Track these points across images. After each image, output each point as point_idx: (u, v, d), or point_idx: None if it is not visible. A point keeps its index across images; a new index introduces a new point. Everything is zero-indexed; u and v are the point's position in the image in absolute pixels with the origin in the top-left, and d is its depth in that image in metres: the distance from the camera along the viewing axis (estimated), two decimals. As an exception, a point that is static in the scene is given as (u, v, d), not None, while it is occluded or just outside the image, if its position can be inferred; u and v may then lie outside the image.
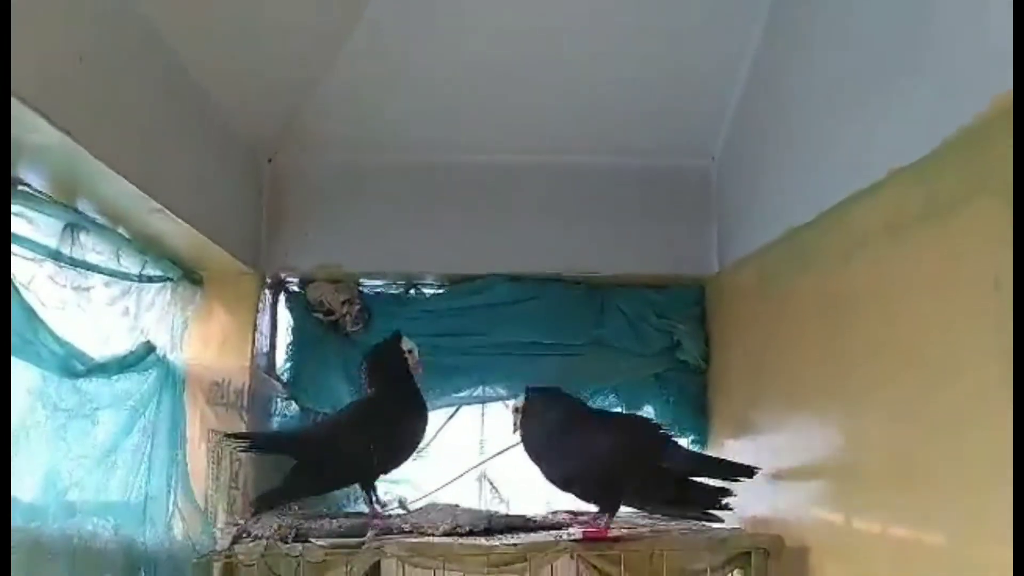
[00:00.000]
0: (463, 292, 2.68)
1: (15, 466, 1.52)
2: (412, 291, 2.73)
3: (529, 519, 2.14)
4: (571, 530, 1.98)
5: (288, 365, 2.64)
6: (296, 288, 2.68)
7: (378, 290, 2.72)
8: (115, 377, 1.96)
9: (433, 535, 1.95)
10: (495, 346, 2.65)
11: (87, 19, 1.53)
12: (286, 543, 1.85)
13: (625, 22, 2.28)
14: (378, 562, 1.87)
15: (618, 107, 2.50)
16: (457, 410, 2.72)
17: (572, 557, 1.87)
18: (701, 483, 2.09)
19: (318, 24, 2.25)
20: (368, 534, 1.91)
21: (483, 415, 2.74)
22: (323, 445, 2.16)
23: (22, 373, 1.61)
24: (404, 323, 2.61)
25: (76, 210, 1.78)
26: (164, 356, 2.18)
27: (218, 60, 2.03)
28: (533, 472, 2.21)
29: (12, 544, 1.45)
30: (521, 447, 2.25)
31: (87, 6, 1.54)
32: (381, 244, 2.59)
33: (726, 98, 2.46)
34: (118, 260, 1.98)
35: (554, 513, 2.29)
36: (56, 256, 1.73)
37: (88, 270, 1.85)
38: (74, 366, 1.77)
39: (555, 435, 2.16)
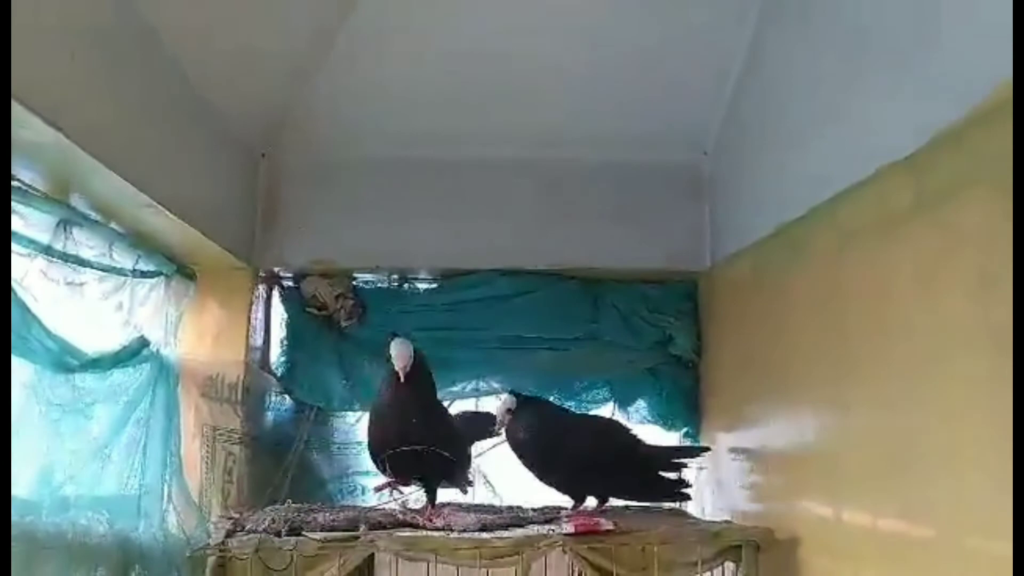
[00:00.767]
0: (457, 287, 2.68)
1: (9, 461, 1.52)
2: (406, 286, 2.74)
3: (522, 513, 2.15)
4: (563, 524, 1.99)
5: (282, 360, 2.64)
6: (290, 283, 2.69)
7: (372, 285, 2.72)
8: (109, 372, 1.96)
9: (425, 527, 1.96)
10: (489, 341, 2.66)
11: (79, 16, 1.53)
12: (280, 537, 1.86)
13: (618, 19, 2.28)
14: (372, 556, 1.88)
15: (611, 102, 2.50)
16: (451, 404, 2.72)
17: (564, 551, 1.87)
18: (665, 477, 2.31)
19: (311, 20, 2.25)
20: (361, 528, 1.91)
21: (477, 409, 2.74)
22: None
23: (16, 368, 1.61)
24: (398, 318, 2.62)
25: (69, 206, 1.79)
26: (158, 351, 2.18)
27: (211, 56, 2.03)
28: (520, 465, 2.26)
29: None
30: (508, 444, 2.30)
31: (80, 3, 1.54)
32: (375, 239, 2.60)
33: (718, 93, 2.46)
34: (111, 255, 1.99)
35: (546, 507, 2.29)
36: (49, 252, 1.74)
37: (81, 265, 1.86)
38: (68, 361, 1.78)
39: (538, 435, 2.23)
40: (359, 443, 2.61)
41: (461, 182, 2.63)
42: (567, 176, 2.64)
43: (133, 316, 2.10)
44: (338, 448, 2.67)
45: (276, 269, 2.64)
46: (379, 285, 2.73)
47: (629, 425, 2.52)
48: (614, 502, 2.30)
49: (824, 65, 1.88)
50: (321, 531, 1.89)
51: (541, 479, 2.25)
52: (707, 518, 2.35)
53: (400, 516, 2.03)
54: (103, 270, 1.97)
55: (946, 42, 1.41)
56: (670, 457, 2.38)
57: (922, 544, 1.44)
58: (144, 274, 2.15)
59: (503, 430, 2.28)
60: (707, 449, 2.45)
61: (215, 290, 2.44)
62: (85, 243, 1.87)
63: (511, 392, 2.29)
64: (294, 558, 1.80)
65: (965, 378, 1.33)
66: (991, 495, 1.20)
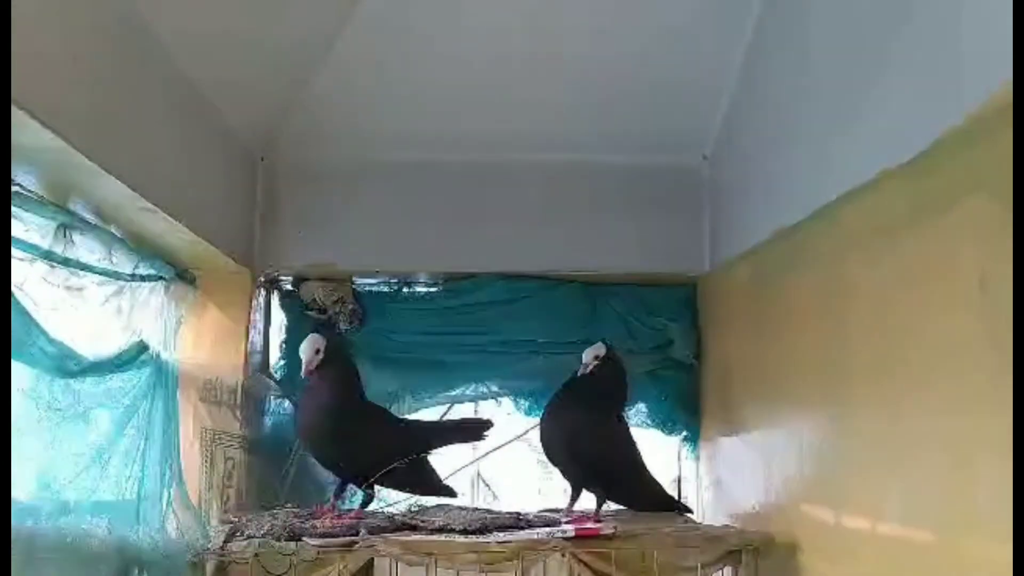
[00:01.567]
0: (456, 290, 2.68)
1: (9, 466, 1.52)
2: (405, 289, 2.74)
3: (521, 517, 2.15)
4: (563, 528, 1.98)
5: (281, 363, 2.64)
6: (289, 287, 2.68)
7: (372, 288, 2.72)
8: (108, 376, 1.96)
9: (426, 529, 1.95)
10: (488, 344, 2.66)
11: (80, 20, 1.53)
12: (279, 541, 1.85)
13: (618, 22, 2.29)
14: (371, 560, 1.88)
15: (610, 106, 2.50)
16: (450, 408, 2.72)
17: (564, 555, 1.87)
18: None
19: (311, 22, 2.24)
20: (361, 532, 1.91)
21: (476, 413, 2.74)
22: None
23: (15, 373, 1.61)
24: (397, 321, 2.62)
25: (68, 210, 1.78)
26: (157, 355, 2.18)
27: (211, 59, 2.03)
28: (528, 470, 2.24)
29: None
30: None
31: (80, 7, 1.54)
32: (374, 242, 2.60)
33: (718, 97, 2.47)
34: (111, 259, 1.98)
35: (546, 511, 2.29)
36: (49, 256, 1.73)
37: (81, 270, 1.85)
38: (67, 366, 1.77)
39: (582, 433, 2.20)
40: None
41: (460, 186, 2.63)
42: (566, 179, 2.65)
43: (132, 320, 2.09)
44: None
45: (275, 273, 2.63)
46: (379, 289, 2.73)
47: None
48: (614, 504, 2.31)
49: (824, 69, 1.88)
50: (321, 535, 1.88)
51: (567, 456, 2.22)
52: (707, 522, 2.35)
53: (400, 520, 2.03)
54: (103, 274, 1.96)
55: (947, 45, 1.41)
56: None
57: (922, 548, 1.44)
58: (143, 278, 2.14)
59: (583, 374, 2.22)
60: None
61: (214, 294, 2.43)
62: (84, 247, 1.86)
63: (603, 341, 2.26)
64: (294, 563, 1.80)
65: (965, 382, 1.33)
66: (992, 499, 1.20)
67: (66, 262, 1.78)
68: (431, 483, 2.31)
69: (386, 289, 2.73)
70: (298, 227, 2.58)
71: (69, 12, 1.50)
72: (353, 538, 1.88)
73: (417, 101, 2.48)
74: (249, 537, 1.88)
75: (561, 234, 2.62)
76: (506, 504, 2.57)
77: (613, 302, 2.69)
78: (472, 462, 2.72)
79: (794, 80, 2.05)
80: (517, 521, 2.09)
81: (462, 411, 2.71)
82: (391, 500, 2.45)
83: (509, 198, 2.64)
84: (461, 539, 1.90)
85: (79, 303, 1.85)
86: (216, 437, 2.34)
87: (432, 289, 2.73)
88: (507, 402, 2.70)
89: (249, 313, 2.50)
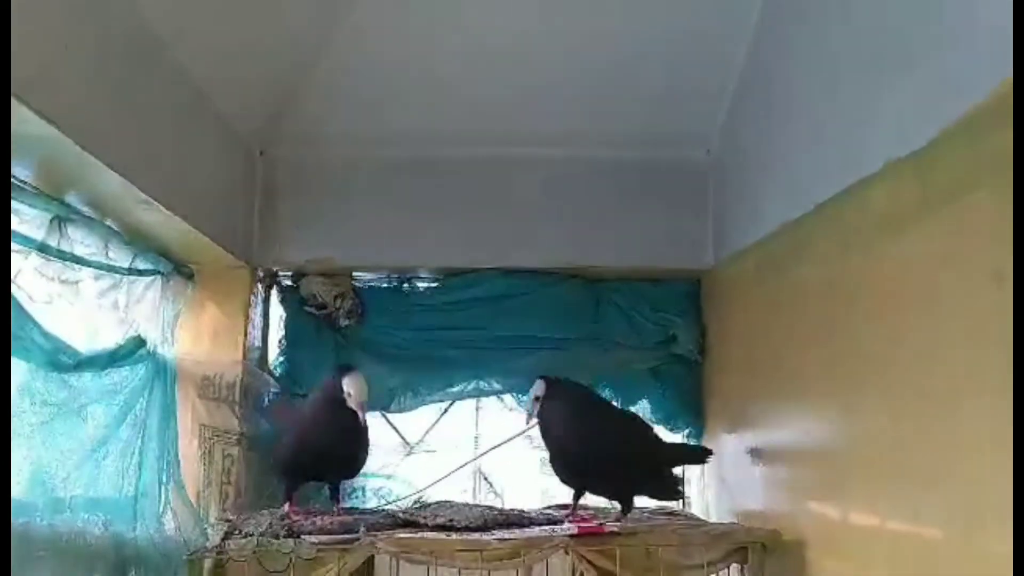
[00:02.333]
0: (458, 286, 2.66)
1: (3, 462, 1.50)
2: (406, 285, 2.72)
3: (524, 514, 2.13)
4: (566, 525, 1.96)
5: (281, 359, 2.62)
6: (289, 282, 2.66)
7: (372, 284, 2.70)
8: (104, 371, 1.94)
9: (427, 526, 1.93)
10: (490, 340, 2.64)
11: (74, 9, 1.51)
12: (278, 539, 1.83)
13: (621, 17, 2.27)
14: (371, 558, 1.86)
15: (614, 101, 2.48)
16: (451, 405, 2.70)
17: (567, 553, 1.85)
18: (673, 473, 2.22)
19: (310, 18, 2.23)
20: (360, 530, 1.89)
21: (478, 410, 2.72)
22: None
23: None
24: (398, 317, 2.60)
25: (63, 202, 1.76)
26: (155, 350, 2.16)
27: (210, 53, 2.01)
28: (533, 466, 2.20)
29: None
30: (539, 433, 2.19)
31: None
32: (375, 238, 2.58)
33: (722, 91, 2.45)
34: (107, 253, 1.96)
35: (549, 508, 2.27)
36: (44, 249, 1.71)
37: (76, 263, 1.83)
38: (62, 360, 1.75)
39: (573, 424, 2.10)
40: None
41: (462, 180, 2.61)
42: (569, 174, 2.62)
43: (129, 315, 2.08)
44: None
45: (274, 268, 2.62)
46: (379, 284, 2.71)
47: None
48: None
49: (828, 62, 1.86)
50: (320, 533, 1.87)
51: (568, 469, 2.12)
52: (712, 519, 2.33)
53: (402, 517, 2.01)
54: (99, 268, 1.94)
55: (951, 37, 1.39)
56: (682, 454, 2.35)
57: (930, 545, 1.42)
58: (140, 272, 2.13)
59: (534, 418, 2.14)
60: (710, 452, 2.32)
61: (212, 289, 2.42)
62: (80, 240, 1.84)
63: (541, 377, 2.13)
64: (293, 560, 1.78)
65: (974, 378, 1.31)
66: (1000, 496, 1.18)
67: (61, 255, 1.77)
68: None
69: (386, 284, 2.71)
70: (297, 222, 2.56)
71: (67, 4, 1.48)
72: (353, 536, 1.86)
73: (417, 96, 2.46)
74: (247, 535, 1.86)
75: (563, 229, 2.60)
76: (508, 502, 2.56)
77: (616, 298, 2.67)
78: (473, 459, 2.69)
79: (798, 73, 2.03)
80: (520, 518, 2.07)
81: (462, 407, 2.68)
82: (392, 497, 2.44)
83: (511, 193, 2.62)
84: (461, 536, 1.88)
85: (75, 297, 1.83)
86: (214, 434, 2.32)
87: (433, 284, 2.71)
88: (509, 399, 2.68)
89: (248, 308, 2.48)
